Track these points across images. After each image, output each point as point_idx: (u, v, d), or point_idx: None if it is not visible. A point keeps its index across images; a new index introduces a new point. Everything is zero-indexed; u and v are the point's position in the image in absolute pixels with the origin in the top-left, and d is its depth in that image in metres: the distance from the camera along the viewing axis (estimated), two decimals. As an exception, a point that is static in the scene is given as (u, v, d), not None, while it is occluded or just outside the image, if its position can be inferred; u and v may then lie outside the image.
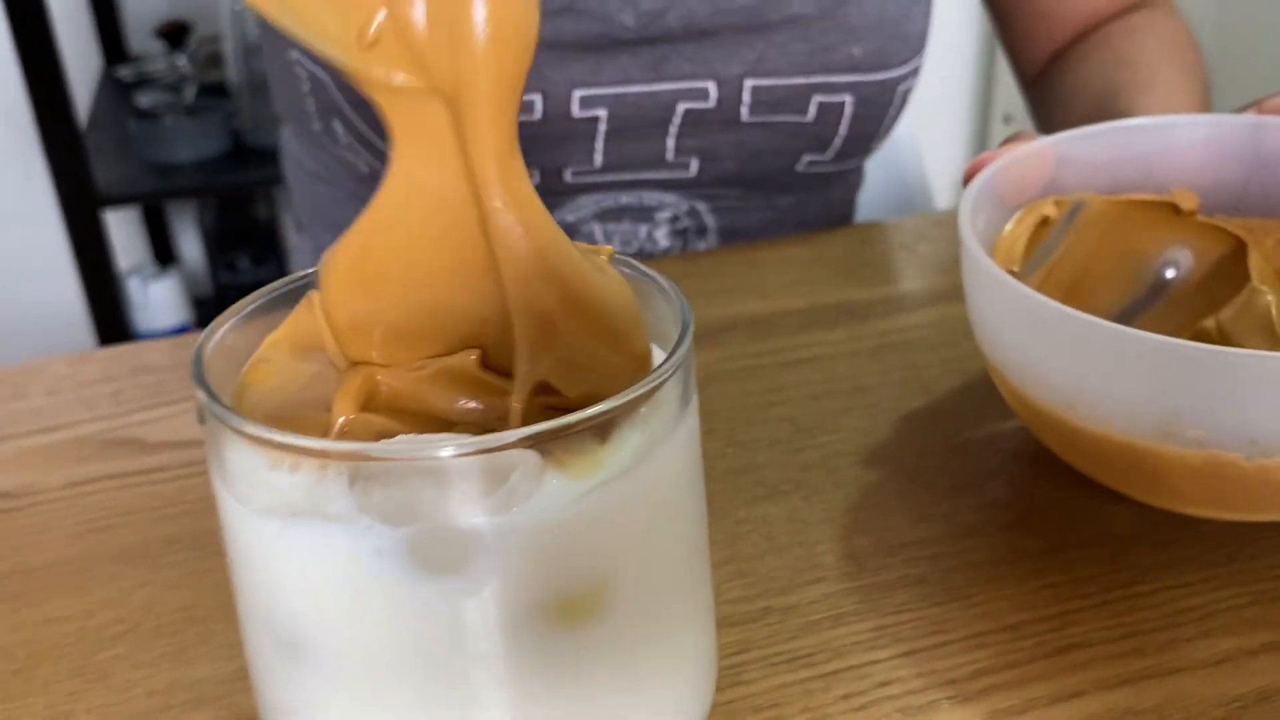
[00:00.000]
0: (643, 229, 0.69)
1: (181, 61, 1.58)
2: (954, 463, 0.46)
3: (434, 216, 0.27)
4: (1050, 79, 0.70)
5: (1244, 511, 0.38)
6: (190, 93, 1.53)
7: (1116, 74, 0.63)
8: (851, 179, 0.75)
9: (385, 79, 0.26)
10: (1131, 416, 0.35)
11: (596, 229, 0.68)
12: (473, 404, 0.28)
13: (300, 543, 0.25)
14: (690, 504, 0.29)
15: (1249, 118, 0.45)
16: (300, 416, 0.28)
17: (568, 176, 0.65)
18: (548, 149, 0.64)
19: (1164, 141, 0.45)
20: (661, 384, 0.26)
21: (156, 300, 1.60)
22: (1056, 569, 0.41)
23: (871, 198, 0.84)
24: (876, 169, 0.85)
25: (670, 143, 0.65)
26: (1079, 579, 0.40)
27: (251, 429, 0.24)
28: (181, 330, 1.64)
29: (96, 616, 0.40)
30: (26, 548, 0.44)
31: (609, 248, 0.30)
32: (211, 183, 1.47)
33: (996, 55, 1.82)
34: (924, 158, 0.92)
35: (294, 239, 0.78)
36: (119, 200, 1.43)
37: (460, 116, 0.26)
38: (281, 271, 1.68)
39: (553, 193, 0.66)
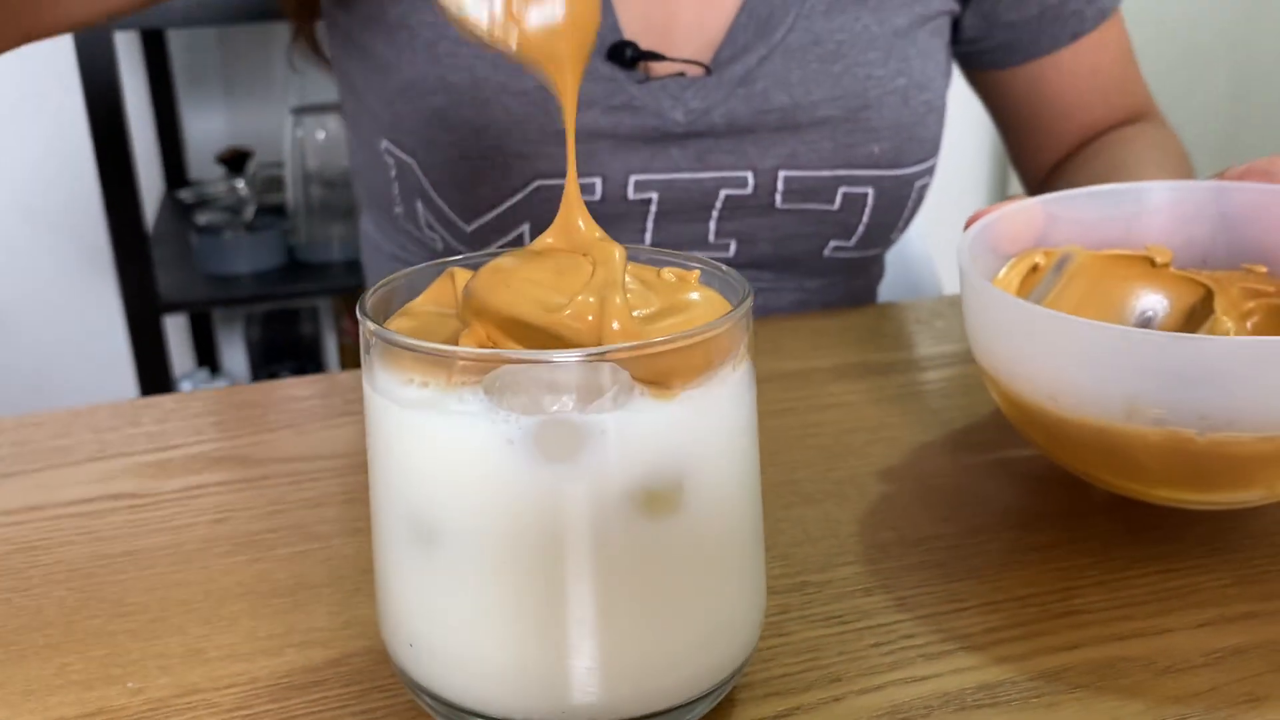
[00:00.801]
0: None
1: (240, 185, 1.70)
2: (966, 479, 0.52)
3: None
4: (1053, 185, 0.79)
5: (1203, 489, 0.43)
6: (249, 212, 1.64)
7: (1109, 176, 0.72)
8: (873, 269, 0.83)
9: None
10: (1101, 402, 0.41)
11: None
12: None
13: (443, 434, 0.32)
14: (746, 437, 0.35)
15: (1213, 183, 0.52)
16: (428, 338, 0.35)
17: (620, 253, 0.73)
18: (605, 227, 0.72)
19: (1140, 204, 0.53)
20: (726, 328, 0.33)
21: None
22: (1059, 558, 0.46)
23: (889, 291, 0.92)
24: (893, 268, 0.93)
25: (712, 225, 0.73)
26: (1078, 565, 0.46)
27: (409, 341, 0.31)
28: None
29: (219, 581, 0.46)
30: (152, 533, 0.50)
31: (696, 269, 0.36)
32: (265, 293, 1.56)
33: (1006, 162, 1.93)
34: (935, 257, 1.00)
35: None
36: (178, 307, 1.52)
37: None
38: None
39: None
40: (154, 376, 1.49)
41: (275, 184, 1.69)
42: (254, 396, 0.63)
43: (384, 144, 0.72)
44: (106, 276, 1.73)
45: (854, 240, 0.76)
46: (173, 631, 0.43)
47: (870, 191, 0.74)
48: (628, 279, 0.34)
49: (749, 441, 0.35)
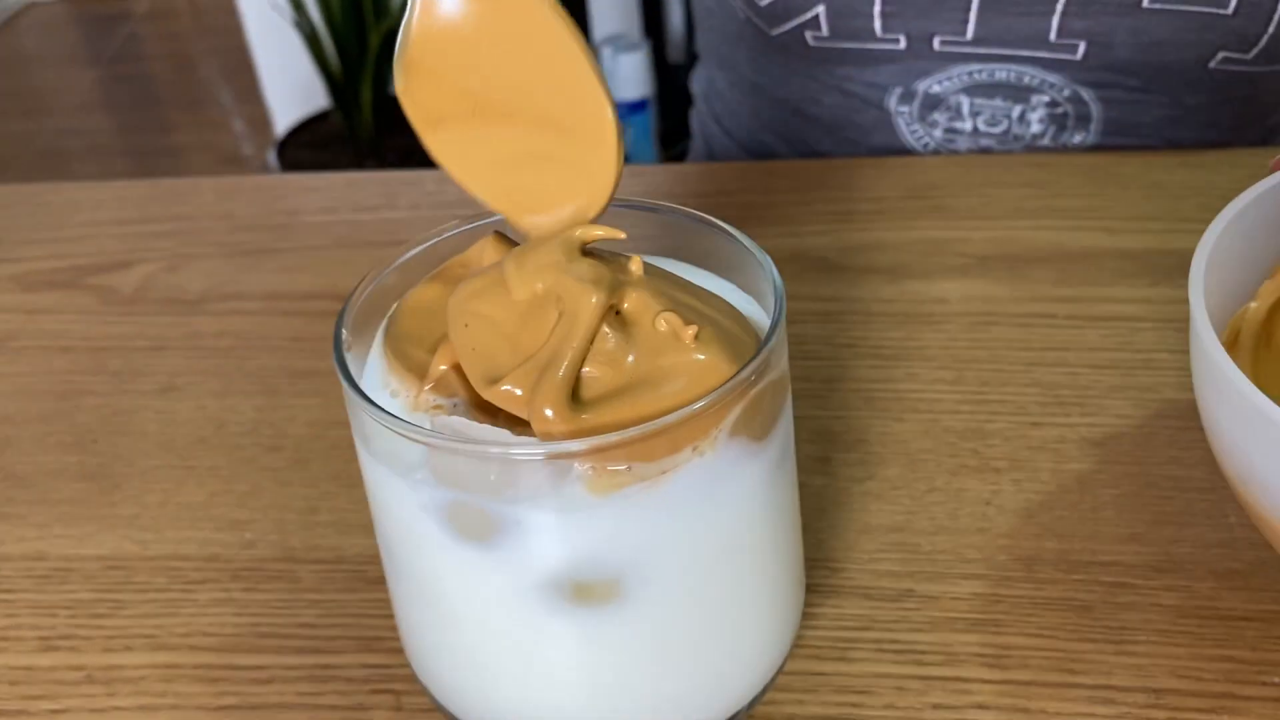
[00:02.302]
0: (1016, 109, 0.64)
1: None
2: (1205, 481, 0.42)
3: None
4: None
5: None
6: None
7: None
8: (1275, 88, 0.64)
9: None
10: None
11: (964, 101, 0.64)
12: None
13: (385, 484, 0.30)
14: (723, 527, 0.30)
15: None
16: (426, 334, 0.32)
17: (936, 44, 0.62)
18: (916, 16, 0.61)
19: None
20: (682, 419, 0.27)
21: (624, 72, 1.68)
22: (1248, 642, 0.37)
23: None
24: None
25: (1055, 21, 0.59)
26: (1270, 661, 0.36)
27: (356, 398, 0.29)
28: (639, 105, 1.71)
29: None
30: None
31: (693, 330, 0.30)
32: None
33: None
34: None
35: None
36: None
37: None
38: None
39: (919, 57, 0.63)
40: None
41: None
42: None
43: None
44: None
45: (1253, 53, 0.59)
46: (306, 481, 0.46)
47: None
48: (605, 330, 0.28)
49: (733, 528, 0.30)
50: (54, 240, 0.61)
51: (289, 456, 0.47)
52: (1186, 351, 0.36)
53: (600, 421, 0.27)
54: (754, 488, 0.30)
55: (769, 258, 0.32)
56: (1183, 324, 0.48)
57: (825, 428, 0.46)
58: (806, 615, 0.38)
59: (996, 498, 0.42)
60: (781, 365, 0.30)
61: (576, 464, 0.27)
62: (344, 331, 0.31)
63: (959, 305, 0.52)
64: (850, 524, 0.42)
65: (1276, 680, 0.36)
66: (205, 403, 0.50)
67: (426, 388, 0.30)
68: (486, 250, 0.33)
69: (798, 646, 0.37)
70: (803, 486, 0.43)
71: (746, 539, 0.30)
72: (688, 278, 0.33)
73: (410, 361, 0.31)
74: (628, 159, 0.62)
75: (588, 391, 0.28)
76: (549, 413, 0.27)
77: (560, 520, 0.28)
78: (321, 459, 0.46)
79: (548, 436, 0.27)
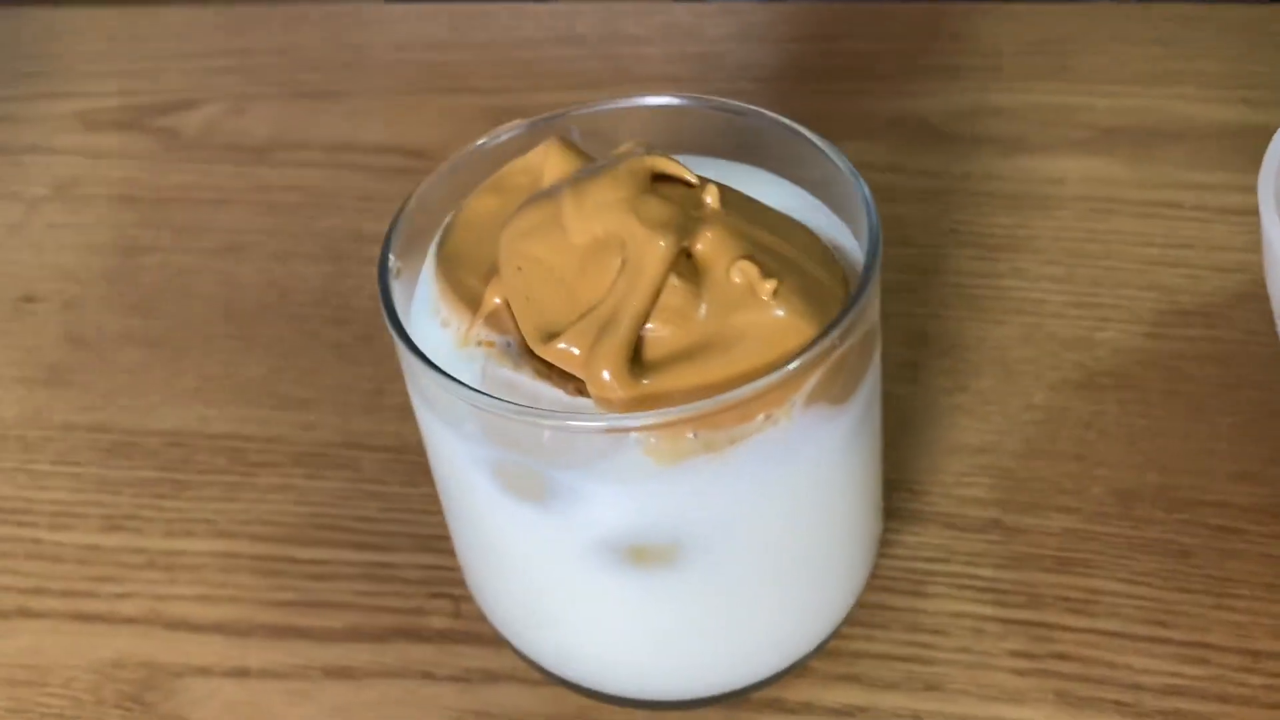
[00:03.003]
0: None
1: None
2: (1333, 417, 0.38)
3: None
4: None
5: None
6: None
7: None
8: None
9: None
10: None
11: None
12: None
13: (435, 431, 0.28)
14: (800, 496, 0.27)
15: None
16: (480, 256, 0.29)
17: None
18: None
19: None
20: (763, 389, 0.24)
21: None
22: (1364, 605, 0.34)
23: None
24: None
25: None
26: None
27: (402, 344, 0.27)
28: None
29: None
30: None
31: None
32: None
33: None
34: None
35: None
36: None
37: None
38: None
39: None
40: None
41: None
42: None
43: None
44: None
45: None
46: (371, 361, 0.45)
47: None
48: (674, 280, 0.25)
49: (804, 494, 0.27)
50: (118, 74, 0.58)
51: (354, 331, 0.45)
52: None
53: (664, 388, 0.25)
54: (831, 452, 0.27)
55: (868, 189, 0.28)
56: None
57: (917, 329, 0.42)
58: (883, 543, 0.36)
59: (1098, 420, 0.39)
60: (871, 318, 0.27)
61: (636, 433, 0.25)
62: (391, 257, 0.28)
63: (1076, 187, 0.47)
64: (936, 442, 0.39)
65: (1390, 649, 0.33)
66: (268, 266, 0.48)
67: (479, 322, 0.28)
68: (549, 157, 0.30)
69: (872, 577, 0.35)
70: (888, 397, 0.40)
71: (819, 502, 0.28)
72: (773, 197, 0.30)
73: (463, 289, 0.28)
74: None
75: (651, 352, 0.25)
76: (607, 377, 0.25)
77: (617, 489, 0.26)
78: (388, 336, 0.45)
79: (605, 401, 0.25)
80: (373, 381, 0.43)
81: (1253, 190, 0.46)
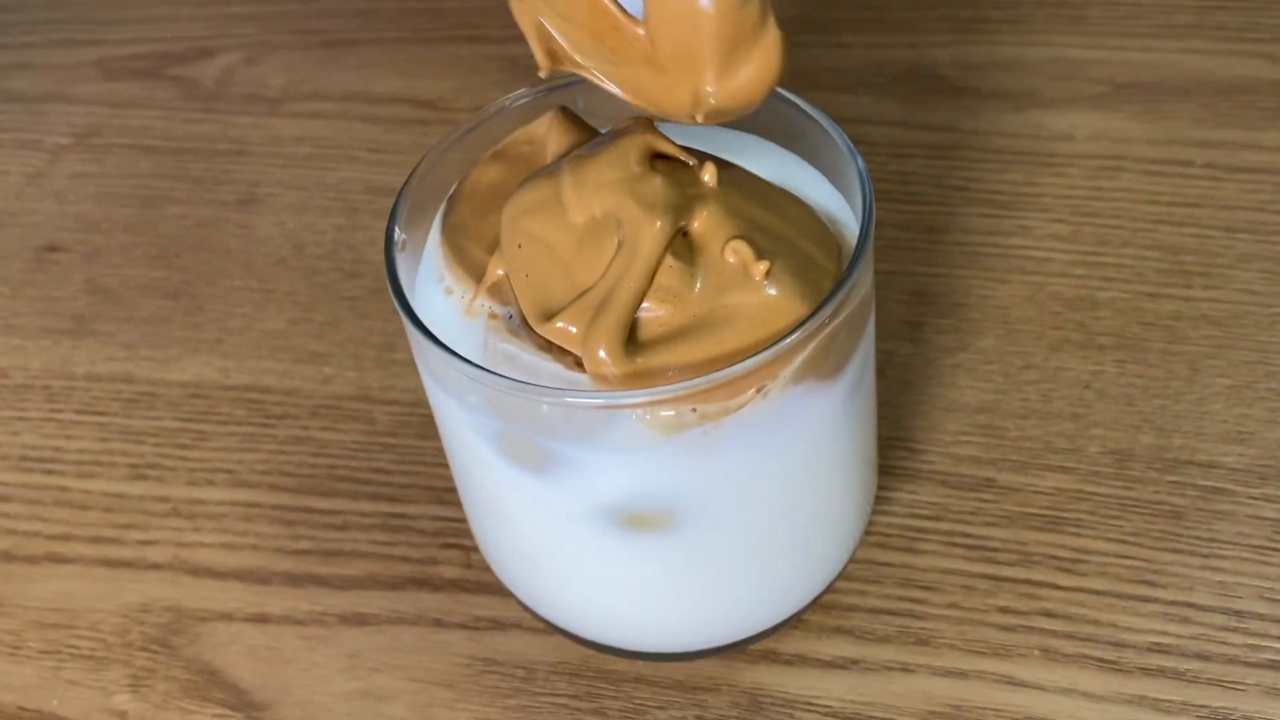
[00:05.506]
0: None
1: None
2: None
3: None
4: None
5: None
6: None
7: None
8: None
9: None
10: None
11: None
12: None
13: (440, 401, 0.29)
14: (791, 465, 0.28)
15: None
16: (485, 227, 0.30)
17: None
18: None
19: None
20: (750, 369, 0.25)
21: None
22: (1347, 566, 0.35)
23: None
24: None
25: None
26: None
27: (407, 319, 0.27)
28: None
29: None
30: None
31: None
32: None
33: None
34: None
35: None
36: None
37: None
38: None
39: None
40: None
41: None
42: None
43: None
44: None
45: None
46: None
47: None
48: (670, 260, 0.26)
49: (796, 463, 0.28)
50: (136, 21, 0.59)
51: (368, 285, 0.46)
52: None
53: (658, 363, 0.26)
54: (822, 423, 0.28)
55: (863, 164, 0.29)
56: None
57: (922, 287, 0.43)
58: (879, 499, 0.37)
59: (1096, 380, 0.40)
60: (863, 291, 0.28)
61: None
62: (397, 229, 0.29)
63: (1086, 145, 0.47)
64: (935, 401, 0.40)
65: (1370, 611, 0.34)
66: (285, 218, 0.49)
67: (483, 292, 0.29)
68: (553, 129, 0.31)
69: (866, 534, 0.37)
70: (890, 355, 0.41)
71: (810, 472, 0.29)
72: (773, 168, 0.30)
73: (467, 259, 0.29)
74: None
75: (646, 332, 0.26)
76: (603, 355, 0.25)
77: (613, 460, 0.27)
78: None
79: (601, 378, 0.26)
80: (384, 335, 0.44)
81: (1266, 148, 0.46)
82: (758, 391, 0.26)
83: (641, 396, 0.25)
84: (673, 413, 0.26)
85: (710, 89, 0.26)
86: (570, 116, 0.31)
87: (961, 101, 0.49)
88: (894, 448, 0.39)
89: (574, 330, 0.26)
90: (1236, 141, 0.46)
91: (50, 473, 0.42)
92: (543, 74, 0.27)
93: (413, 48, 0.55)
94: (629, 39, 0.26)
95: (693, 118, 0.26)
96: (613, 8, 0.26)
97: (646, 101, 0.27)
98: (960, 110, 0.49)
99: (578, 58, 0.27)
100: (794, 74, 0.54)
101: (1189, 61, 0.49)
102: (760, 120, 0.31)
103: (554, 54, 0.27)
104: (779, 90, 0.31)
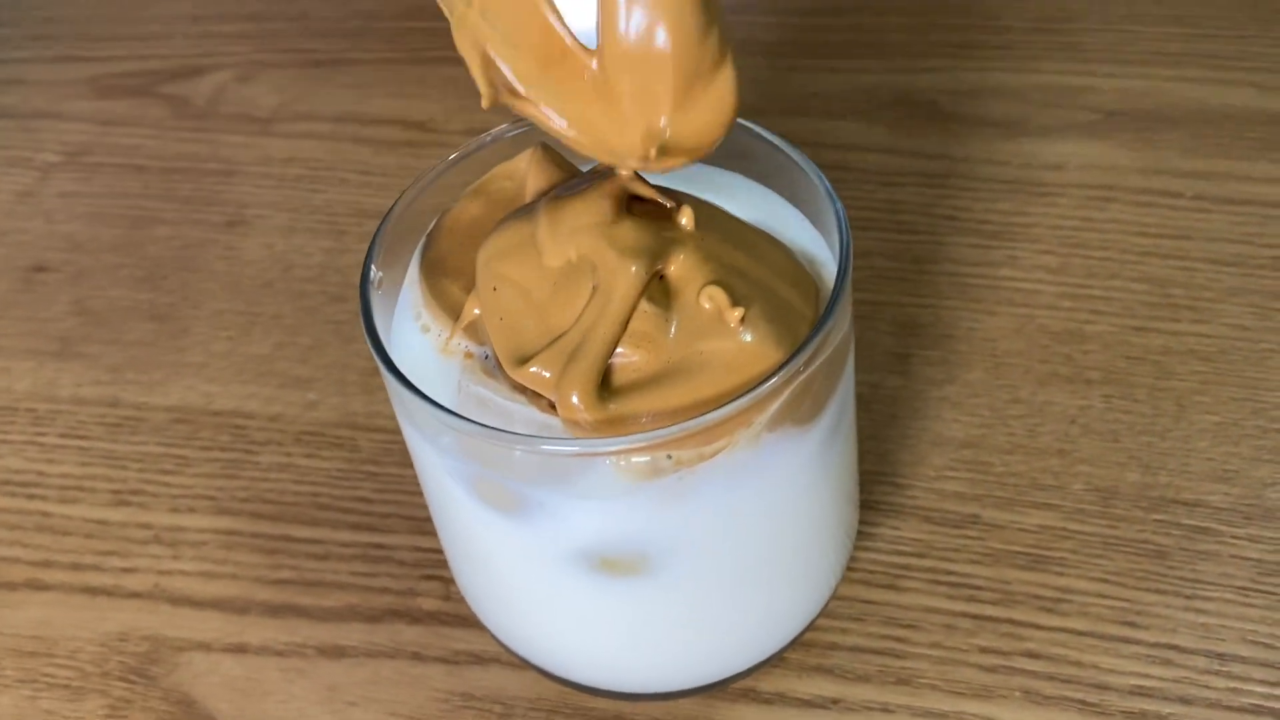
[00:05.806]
0: None
1: None
2: (1315, 418, 0.38)
3: None
4: None
5: None
6: None
7: None
8: None
9: None
10: None
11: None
12: None
13: (415, 442, 0.29)
14: (767, 511, 0.28)
15: None
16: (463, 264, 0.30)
17: None
18: None
19: None
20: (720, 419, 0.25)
21: None
22: (1330, 609, 0.34)
23: None
24: None
25: None
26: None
27: (381, 362, 0.27)
28: None
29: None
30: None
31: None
32: None
33: None
34: None
35: None
36: None
37: None
38: None
39: None
40: None
41: None
42: None
43: None
44: None
45: None
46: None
47: None
48: (645, 305, 0.26)
49: (771, 508, 0.28)
50: (129, 38, 0.58)
51: (353, 309, 0.46)
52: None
53: (632, 410, 0.25)
54: (797, 470, 0.28)
55: (842, 207, 0.28)
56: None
57: (910, 318, 0.43)
58: (862, 535, 0.37)
59: (1083, 415, 0.39)
60: (839, 336, 0.27)
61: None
62: (373, 268, 0.29)
63: (1076, 174, 0.47)
64: (921, 434, 0.40)
65: (1354, 655, 0.34)
66: (273, 240, 0.49)
67: (459, 331, 0.28)
68: (533, 166, 0.30)
69: (849, 570, 0.36)
70: (875, 388, 0.41)
71: (786, 517, 0.29)
72: (754, 207, 0.30)
73: (445, 297, 0.29)
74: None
75: (620, 377, 0.26)
76: (576, 400, 0.25)
77: (585, 505, 0.26)
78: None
79: (574, 424, 0.26)
80: (369, 360, 0.44)
81: (1255, 179, 0.46)
82: (731, 441, 0.26)
83: (615, 445, 0.25)
84: (647, 459, 0.25)
85: (664, 123, 0.25)
86: (551, 154, 0.30)
87: (952, 128, 0.49)
88: (878, 482, 0.38)
89: (548, 375, 0.26)
90: (1226, 173, 0.46)
91: (32, 497, 0.42)
92: (485, 104, 0.27)
93: (405, 68, 0.55)
94: (578, 69, 0.26)
95: (644, 160, 0.26)
96: (563, 32, 0.26)
97: (595, 139, 0.26)
98: (950, 137, 0.49)
99: (523, 89, 0.26)
100: (783, 99, 0.54)
101: (1180, 90, 0.49)
102: (740, 158, 0.31)
103: (496, 85, 0.26)
104: (759, 129, 0.30)
